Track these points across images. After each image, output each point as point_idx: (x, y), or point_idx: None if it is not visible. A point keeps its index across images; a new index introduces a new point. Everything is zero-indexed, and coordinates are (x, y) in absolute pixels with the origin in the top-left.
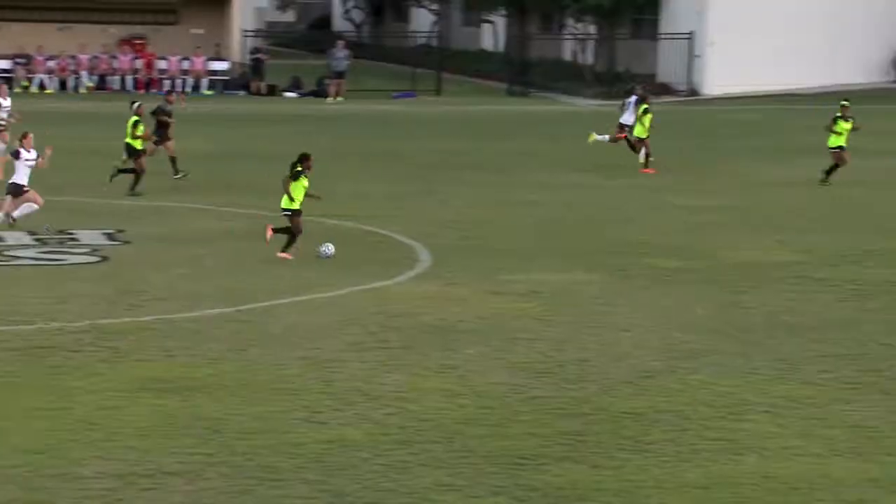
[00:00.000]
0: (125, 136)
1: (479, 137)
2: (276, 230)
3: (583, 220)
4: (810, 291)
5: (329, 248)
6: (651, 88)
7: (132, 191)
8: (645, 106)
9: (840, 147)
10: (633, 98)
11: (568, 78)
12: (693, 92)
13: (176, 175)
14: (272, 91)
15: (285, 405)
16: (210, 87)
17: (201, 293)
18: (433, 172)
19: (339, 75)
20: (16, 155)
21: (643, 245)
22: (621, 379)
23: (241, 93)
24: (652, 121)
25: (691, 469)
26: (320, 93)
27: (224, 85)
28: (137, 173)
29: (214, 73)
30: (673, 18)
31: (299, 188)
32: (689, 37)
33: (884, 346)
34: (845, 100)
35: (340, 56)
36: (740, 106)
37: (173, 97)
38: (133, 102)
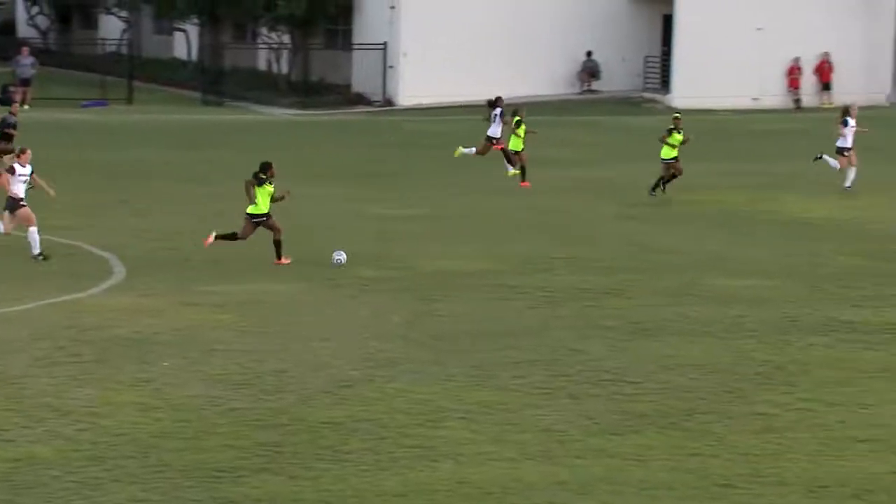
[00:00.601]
0: None
1: (173, 147)
2: (219, 236)
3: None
4: (503, 299)
5: (342, 257)
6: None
7: None
8: (518, 118)
9: (674, 158)
10: (499, 110)
11: (263, 87)
12: (388, 102)
13: None
14: None
15: None
16: None
17: None
18: (126, 182)
19: (25, 83)
20: (11, 170)
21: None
22: (319, 389)
23: None
24: (526, 132)
25: (389, 477)
26: (5, 101)
27: None
28: None
29: None
30: (366, 29)
31: (264, 194)
32: (383, 47)
33: (573, 351)
34: (677, 113)
35: (26, 63)
36: (433, 117)
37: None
38: None
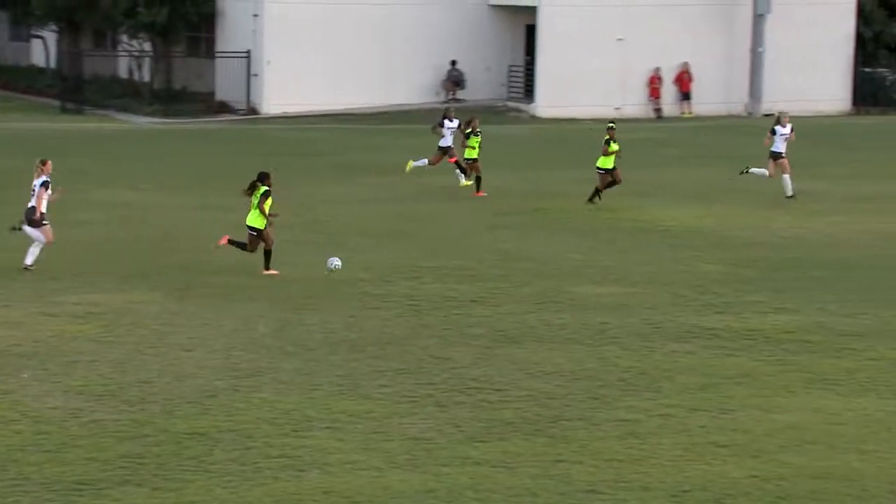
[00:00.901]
0: None
1: (31, 155)
2: (231, 242)
3: (142, 239)
4: (369, 308)
5: (337, 262)
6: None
7: None
8: (471, 129)
9: (606, 168)
10: (450, 121)
11: (124, 95)
12: (253, 111)
13: None
14: None
15: None
16: None
17: None
18: None
19: None
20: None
21: (205, 264)
22: (183, 399)
23: None
24: (480, 142)
25: (255, 487)
26: None
27: None
28: None
29: None
30: (230, 37)
31: (268, 206)
32: (247, 55)
33: (439, 359)
34: (611, 123)
35: None
36: (298, 125)
37: None
38: None
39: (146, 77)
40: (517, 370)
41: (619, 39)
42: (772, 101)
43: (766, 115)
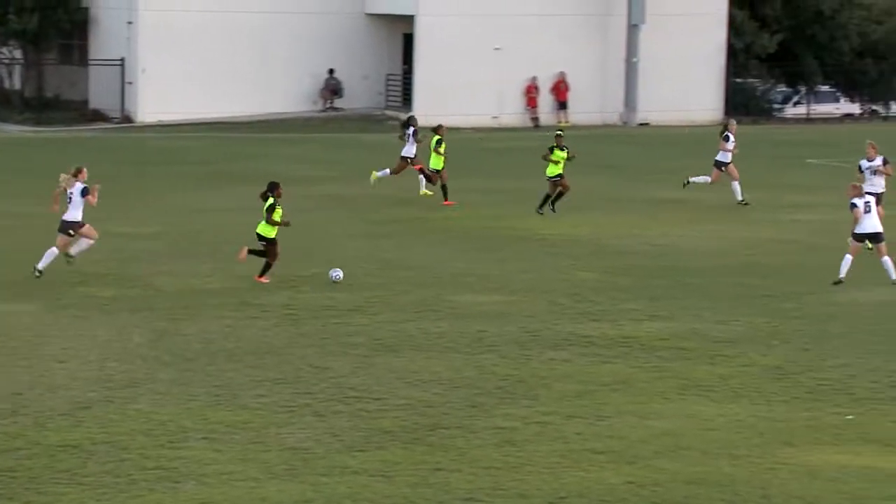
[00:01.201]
0: None
1: None
2: (251, 251)
3: (11, 249)
4: (247, 317)
5: (339, 274)
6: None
7: None
8: (438, 137)
9: (559, 175)
10: (412, 129)
11: None
12: (127, 119)
13: None
14: None
15: None
16: None
17: None
18: None
19: None
20: (83, 192)
21: (77, 274)
22: (56, 411)
23: None
24: (446, 150)
25: (129, 500)
26: None
27: None
28: None
29: None
30: (103, 44)
31: (276, 216)
32: (121, 63)
33: (317, 368)
34: (559, 131)
35: None
36: (174, 134)
37: None
38: None
39: (17, 85)
40: (396, 379)
41: (497, 49)
42: (646, 111)
43: (642, 125)
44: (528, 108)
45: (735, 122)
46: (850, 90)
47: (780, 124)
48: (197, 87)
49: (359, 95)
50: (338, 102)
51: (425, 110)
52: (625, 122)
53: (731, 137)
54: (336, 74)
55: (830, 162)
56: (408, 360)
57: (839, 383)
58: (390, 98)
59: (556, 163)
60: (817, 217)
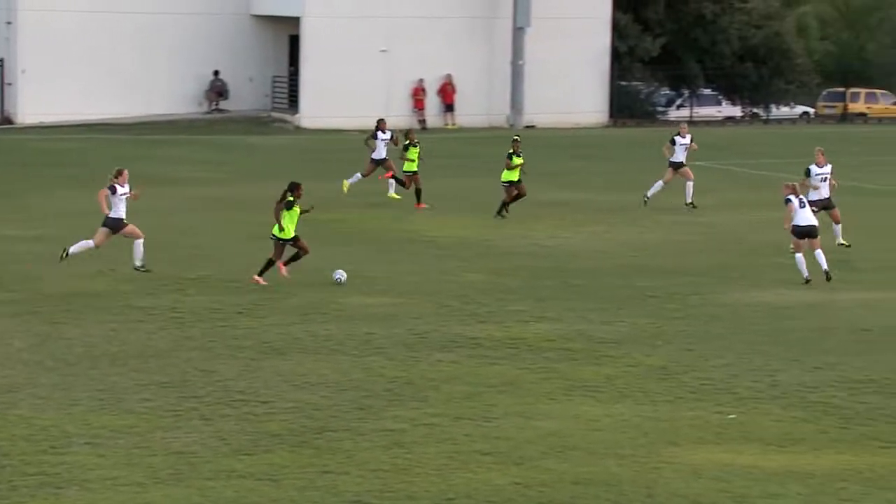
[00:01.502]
0: None
1: None
2: (285, 263)
3: None
4: (132, 321)
5: (342, 275)
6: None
7: None
8: (407, 142)
9: (511, 182)
10: (385, 132)
11: None
12: (7, 120)
13: None
14: None
15: None
16: None
17: None
18: None
19: None
20: (112, 190)
21: None
22: None
23: None
24: (419, 154)
25: None
26: None
27: None
28: None
29: None
30: None
31: (293, 217)
32: (0, 64)
33: (204, 372)
34: (516, 136)
35: None
36: (55, 135)
37: None
38: None
39: None
40: (283, 382)
41: (383, 51)
42: (533, 113)
43: (528, 127)
44: (416, 110)
45: (686, 125)
46: (732, 93)
47: (663, 127)
48: (79, 88)
49: (245, 97)
50: (223, 104)
51: (312, 112)
52: (511, 125)
53: (682, 139)
54: (221, 76)
55: (713, 164)
56: (295, 363)
57: (722, 383)
58: (276, 100)
59: (513, 169)
60: (700, 219)
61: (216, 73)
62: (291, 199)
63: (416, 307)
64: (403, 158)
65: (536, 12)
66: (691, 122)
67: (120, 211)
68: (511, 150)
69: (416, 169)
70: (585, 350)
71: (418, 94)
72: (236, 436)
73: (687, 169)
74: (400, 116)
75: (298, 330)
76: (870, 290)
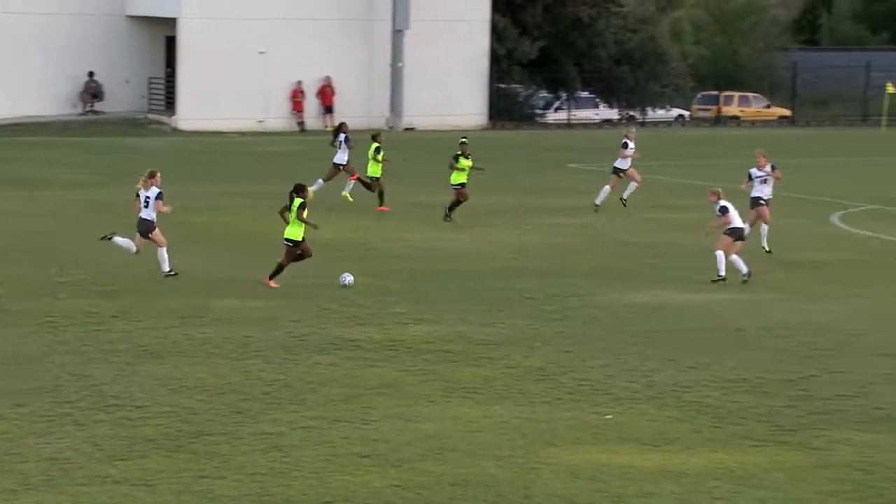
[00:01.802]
0: None
1: None
2: (270, 276)
3: None
4: (3, 325)
5: (349, 278)
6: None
7: None
8: (376, 145)
9: (462, 184)
10: (343, 136)
11: None
12: None
13: None
14: None
15: None
16: None
17: None
18: None
19: None
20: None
21: None
22: None
23: None
24: (384, 157)
25: None
26: None
27: None
28: None
29: None
30: None
31: (305, 214)
32: None
33: (78, 377)
34: (464, 138)
35: None
36: None
37: None
38: None
39: None
40: (159, 386)
41: (261, 52)
42: (412, 116)
43: (408, 129)
44: (294, 112)
45: (634, 129)
46: (609, 96)
47: (542, 129)
48: None
49: (120, 99)
50: (98, 106)
51: (190, 114)
52: (391, 127)
53: (630, 144)
54: (96, 77)
55: (591, 166)
56: (172, 367)
57: (599, 384)
58: (153, 101)
59: (462, 170)
60: (579, 221)
61: (91, 74)
62: (301, 199)
63: (295, 310)
64: (371, 160)
65: (415, 15)
66: (569, 125)
67: (149, 212)
68: (458, 152)
69: (381, 173)
70: (464, 352)
71: (297, 97)
72: (110, 441)
73: (633, 171)
74: (279, 118)
75: (175, 333)
76: (742, 291)
